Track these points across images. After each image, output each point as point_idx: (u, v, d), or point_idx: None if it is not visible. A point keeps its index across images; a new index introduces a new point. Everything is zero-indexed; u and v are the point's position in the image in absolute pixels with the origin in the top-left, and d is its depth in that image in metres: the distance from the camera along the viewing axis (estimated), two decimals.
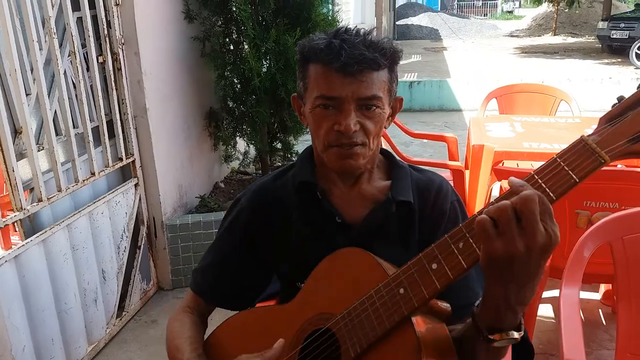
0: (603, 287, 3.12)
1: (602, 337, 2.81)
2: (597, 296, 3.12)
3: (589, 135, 0.89)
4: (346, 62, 1.13)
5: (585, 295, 3.08)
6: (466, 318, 1.04)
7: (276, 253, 1.34)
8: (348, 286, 1.05)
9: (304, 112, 1.29)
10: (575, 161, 0.87)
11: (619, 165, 3.19)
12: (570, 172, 0.86)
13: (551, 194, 0.86)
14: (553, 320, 2.97)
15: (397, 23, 25.88)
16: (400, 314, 0.94)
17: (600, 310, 3.04)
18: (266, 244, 1.35)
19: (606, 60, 15.00)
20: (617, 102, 0.92)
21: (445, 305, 1.02)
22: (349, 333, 1.00)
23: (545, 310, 3.01)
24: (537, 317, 2.65)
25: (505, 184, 2.71)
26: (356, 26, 1.24)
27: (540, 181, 0.88)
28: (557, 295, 3.04)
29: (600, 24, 16.24)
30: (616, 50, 15.51)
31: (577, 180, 0.86)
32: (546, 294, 3.00)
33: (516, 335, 0.91)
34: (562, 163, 0.87)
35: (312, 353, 1.07)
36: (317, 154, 1.31)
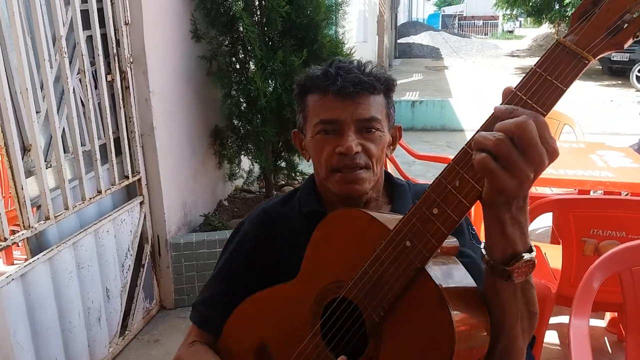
0: (608, 315, 3.11)
1: None
2: (602, 323, 3.11)
3: (565, 37, 0.83)
4: (342, 85, 1.16)
5: (591, 322, 3.07)
6: None
7: (282, 277, 1.24)
8: (352, 248, 1.02)
9: (305, 145, 1.30)
10: (557, 68, 0.81)
11: (624, 194, 3.20)
12: (555, 81, 0.81)
13: (540, 110, 0.81)
14: (559, 348, 2.95)
15: (398, 41, 26.06)
16: (414, 268, 0.90)
17: (605, 338, 3.03)
18: (272, 268, 1.29)
19: (607, 82, 15.08)
20: None
21: (451, 242, 0.99)
22: (366, 298, 0.96)
23: (551, 337, 3.00)
24: (544, 345, 2.64)
25: None
26: (349, 57, 1.29)
27: (525, 98, 0.82)
28: (563, 322, 3.03)
29: None
30: (617, 72, 15.61)
31: (564, 89, 0.81)
32: (552, 321, 2.99)
33: (528, 256, 0.88)
34: (543, 73, 0.82)
35: (336, 324, 1.04)
36: (320, 183, 1.30)
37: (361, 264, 0.97)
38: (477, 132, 0.83)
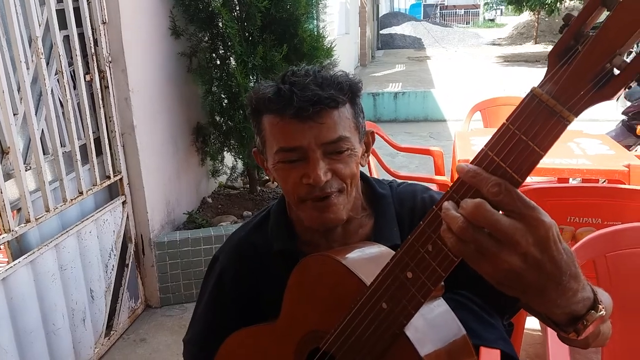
0: None
1: (587, 350, 2.83)
2: None
3: (541, 85, 0.68)
4: (300, 106, 1.02)
5: None
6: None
7: (267, 310, 1.18)
8: (329, 299, 0.98)
9: (267, 167, 1.17)
10: (533, 127, 0.67)
11: (601, 181, 3.24)
12: (531, 143, 0.67)
13: (515, 176, 0.68)
14: (540, 334, 2.98)
15: (380, 32, 26.03)
16: (391, 333, 0.85)
17: None
18: (255, 302, 1.23)
19: None
20: (564, 24, 0.68)
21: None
22: (347, 355, 0.93)
23: (532, 324, 3.03)
24: (525, 331, 2.67)
25: None
26: (304, 66, 1.12)
27: (497, 159, 0.69)
28: None
29: None
30: None
31: (542, 153, 0.67)
32: None
33: (594, 316, 0.78)
34: (517, 132, 0.68)
35: None
36: (290, 209, 1.22)
37: (339, 317, 0.93)
38: (445, 195, 0.74)
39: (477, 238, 0.68)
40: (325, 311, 0.99)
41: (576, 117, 0.66)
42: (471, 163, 0.71)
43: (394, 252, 1.00)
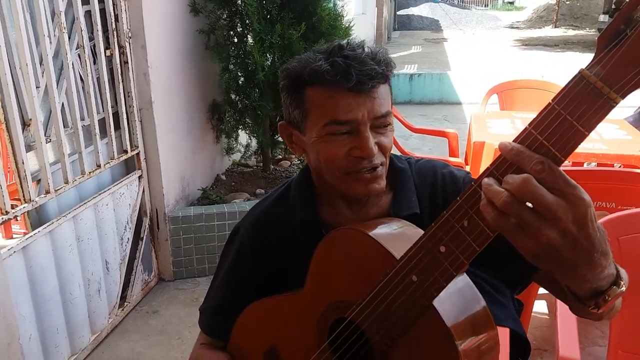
0: None
1: (594, 334, 2.86)
2: None
3: (589, 67, 0.69)
4: (359, 80, 1.03)
5: None
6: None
7: (288, 282, 1.19)
8: (357, 271, 1.01)
9: (296, 140, 1.18)
10: (579, 107, 0.68)
11: (616, 165, 3.24)
12: (576, 124, 0.69)
13: (558, 155, 0.70)
14: (547, 317, 3.01)
15: (397, 13, 25.83)
16: (421, 305, 0.88)
17: None
18: (277, 275, 1.24)
19: None
20: (614, 8, 0.69)
21: None
22: (373, 326, 0.95)
23: (540, 307, 3.06)
24: (532, 314, 2.70)
25: None
26: (348, 40, 1.13)
27: (540, 138, 0.71)
28: None
29: (602, 17, 16.30)
30: None
31: (586, 133, 0.69)
32: (541, 291, 3.04)
33: (616, 291, 0.82)
34: (562, 112, 0.69)
35: (344, 345, 1.03)
36: (322, 183, 1.21)
37: (366, 289, 0.95)
38: (485, 172, 0.75)
39: (520, 212, 0.70)
40: (352, 283, 1.01)
41: (623, 99, 0.67)
42: (514, 141, 0.73)
43: (416, 228, 1.04)
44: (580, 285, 0.81)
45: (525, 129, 0.72)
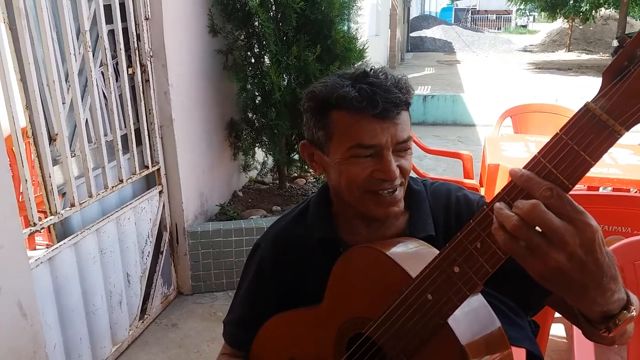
0: None
1: (613, 359, 2.85)
2: None
3: (594, 100, 0.73)
4: (384, 107, 1.09)
5: None
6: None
7: (307, 298, 1.23)
8: (374, 289, 1.05)
9: (318, 159, 1.23)
10: (585, 138, 0.72)
11: (632, 192, 3.26)
12: (582, 153, 0.72)
13: (566, 182, 0.74)
14: (565, 341, 3.00)
15: (410, 35, 26.03)
16: (435, 323, 0.92)
17: None
18: (296, 291, 1.29)
19: None
20: (618, 45, 0.75)
21: None
22: (390, 342, 0.99)
23: (558, 330, 3.04)
24: (550, 337, 2.69)
25: None
26: (372, 68, 1.19)
27: (549, 166, 0.74)
28: None
29: (615, 42, 16.29)
30: None
31: (592, 162, 0.73)
32: (558, 314, 3.05)
33: (626, 316, 0.85)
34: (569, 142, 0.73)
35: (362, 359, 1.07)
36: (340, 202, 1.26)
37: (383, 306, 0.99)
38: (497, 197, 0.80)
39: (530, 236, 0.73)
40: (369, 300, 1.05)
41: (627, 131, 0.71)
42: (524, 168, 0.77)
43: (431, 247, 1.09)
44: (591, 309, 0.84)
45: (535, 156, 0.76)
